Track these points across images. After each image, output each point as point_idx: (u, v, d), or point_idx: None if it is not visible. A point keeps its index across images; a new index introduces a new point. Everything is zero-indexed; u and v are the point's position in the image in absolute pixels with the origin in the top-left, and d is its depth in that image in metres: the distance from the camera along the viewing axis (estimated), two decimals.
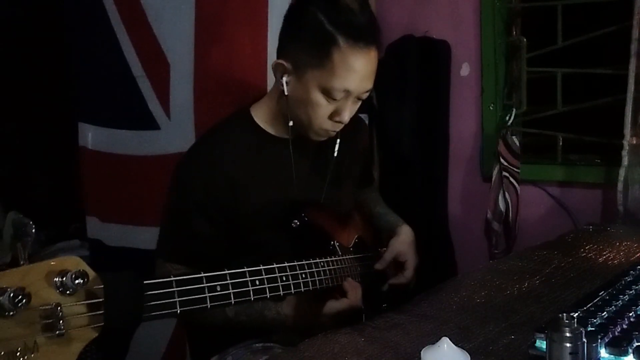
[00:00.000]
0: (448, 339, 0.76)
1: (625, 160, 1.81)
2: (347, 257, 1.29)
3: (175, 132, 1.97)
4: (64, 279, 0.69)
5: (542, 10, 2.13)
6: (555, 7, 2.04)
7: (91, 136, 2.17)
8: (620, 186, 1.82)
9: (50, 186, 3.19)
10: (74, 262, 0.71)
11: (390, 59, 2.25)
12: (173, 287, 0.85)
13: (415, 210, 2.12)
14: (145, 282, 0.82)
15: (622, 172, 1.82)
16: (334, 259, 1.23)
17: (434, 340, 0.77)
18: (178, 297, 0.85)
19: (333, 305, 1.17)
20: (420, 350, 0.77)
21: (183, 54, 1.94)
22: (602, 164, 1.98)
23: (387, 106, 2.26)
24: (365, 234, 1.42)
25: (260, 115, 1.30)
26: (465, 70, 2.22)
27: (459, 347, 0.76)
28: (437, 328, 0.98)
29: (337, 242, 1.30)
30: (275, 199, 1.26)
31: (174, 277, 0.87)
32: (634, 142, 1.80)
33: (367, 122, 2.23)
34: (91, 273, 0.72)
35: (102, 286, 0.73)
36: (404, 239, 1.39)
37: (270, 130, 1.30)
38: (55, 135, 2.73)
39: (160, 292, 0.83)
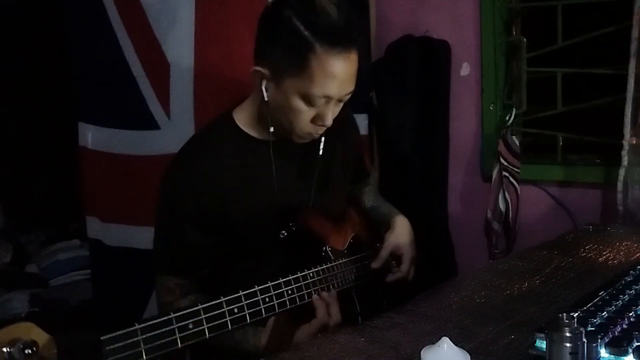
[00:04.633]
0: (448, 339, 0.76)
1: (625, 160, 1.81)
2: (341, 261, 1.28)
3: (175, 132, 1.97)
4: (12, 349, 0.67)
5: (542, 10, 2.13)
6: (555, 7, 2.04)
7: (91, 136, 2.17)
8: (620, 186, 1.82)
9: (50, 186, 3.19)
10: (24, 329, 0.70)
11: (390, 59, 2.25)
12: (138, 336, 0.82)
13: (415, 210, 2.12)
14: (104, 337, 0.80)
15: (622, 172, 1.82)
16: (322, 267, 1.20)
17: (434, 340, 0.77)
18: (144, 345, 0.82)
19: (305, 330, 1.14)
20: (420, 350, 0.77)
21: (183, 54, 1.93)
22: (602, 163, 1.98)
23: (387, 106, 2.26)
24: (361, 231, 1.41)
25: (243, 119, 1.28)
26: (465, 70, 2.22)
27: (459, 347, 0.76)
28: (437, 328, 0.98)
29: (329, 246, 1.28)
30: (261, 206, 1.24)
31: (138, 325, 0.84)
32: (634, 142, 1.80)
33: (367, 122, 2.24)
34: (44, 338, 0.71)
35: (56, 351, 0.72)
36: (399, 232, 1.38)
37: (253, 133, 1.27)
38: (55, 135, 2.73)
39: (124, 344, 0.81)
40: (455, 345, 0.76)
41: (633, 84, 1.77)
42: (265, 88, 1.16)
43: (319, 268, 1.19)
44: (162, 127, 2.01)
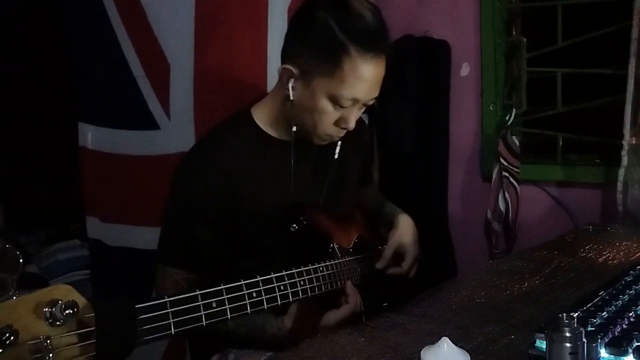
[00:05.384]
0: (448, 339, 0.76)
1: (624, 160, 1.81)
2: (347, 258, 1.29)
3: (175, 132, 1.97)
4: (54, 309, 0.67)
5: (542, 10, 2.13)
6: (555, 7, 2.04)
7: (91, 136, 2.17)
8: (619, 186, 1.82)
9: (50, 186, 3.19)
10: (63, 291, 0.70)
11: (390, 58, 2.25)
12: (167, 308, 0.84)
13: (415, 210, 2.12)
14: (138, 305, 0.81)
15: (621, 172, 1.82)
16: (332, 262, 1.22)
17: (434, 340, 0.77)
18: (172, 318, 0.84)
19: (334, 315, 1.16)
20: (420, 350, 0.77)
21: (183, 54, 1.93)
22: (602, 163, 1.98)
23: (387, 106, 2.26)
24: (365, 233, 1.42)
25: (262, 117, 1.29)
26: (465, 70, 2.22)
27: (459, 347, 0.76)
28: (437, 328, 0.98)
29: (336, 244, 1.29)
30: (275, 203, 1.25)
31: (168, 297, 0.85)
32: (634, 142, 1.80)
33: (367, 121, 2.23)
34: (82, 301, 0.71)
35: (94, 314, 0.72)
36: (402, 231, 1.38)
37: (272, 132, 1.28)
38: (55, 135, 2.72)
39: (154, 315, 0.82)
40: (455, 345, 0.76)
41: (633, 84, 1.77)
42: (292, 87, 1.17)
43: (329, 263, 1.21)
44: (162, 127, 2.01)
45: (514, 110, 2.11)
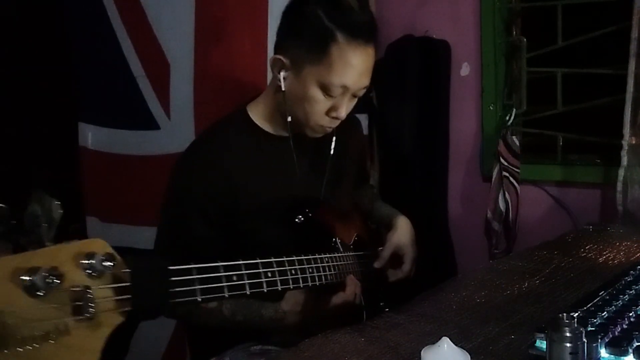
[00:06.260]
0: (448, 339, 0.76)
1: (624, 160, 1.81)
2: (349, 254, 1.29)
3: (175, 132, 1.97)
4: (92, 261, 0.66)
5: (542, 10, 2.13)
6: (555, 7, 2.04)
7: (91, 136, 2.17)
8: (619, 186, 1.82)
9: (50, 186, 3.19)
10: (100, 245, 0.68)
11: (390, 59, 2.25)
12: (194, 275, 0.83)
13: (415, 210, 2.12)
14: (170, 267, 0.80)
15: (621, 172, 1.82)
16: (337, 255, 1.23)
17: (434, 340, 0.77)
18: (199, 285, 0.84)
19: (329, 301, 1.17)
20: (420, 350, 0.77)
21: (183, 54, 1.94)
22: (602, 163, 1.98)
23: (387, 106, 2.26)
24: (364, 232, 1.42)
25: (258, 114, 1.30)
26: (465, 70, 2.22)
27: (459, 347, 0.76)
28: (437, 328, 0.98)
29: (339, 239, 1.30)
30: (277, 197, 1.26)
31: (194, 264, 0.85)
32: (633, 142, 1.80)
33: (367, 122, 2.24)
34: (117, 256, 0.70)
35: (129, 270, 0.71)
36: (400, 232, 1.39)
37: (268, 128, 1.30)
38: (55, 135, 2.73)
39: (184, 279, 0.81)
40: (455, 345, 0.76)
41: (633, 84, 1.77)
42: (284, 77, 1.20)
43: (335, 255, 1.21)
44: (162, 127, 2.02)
45: (514, 110, 2.11)
